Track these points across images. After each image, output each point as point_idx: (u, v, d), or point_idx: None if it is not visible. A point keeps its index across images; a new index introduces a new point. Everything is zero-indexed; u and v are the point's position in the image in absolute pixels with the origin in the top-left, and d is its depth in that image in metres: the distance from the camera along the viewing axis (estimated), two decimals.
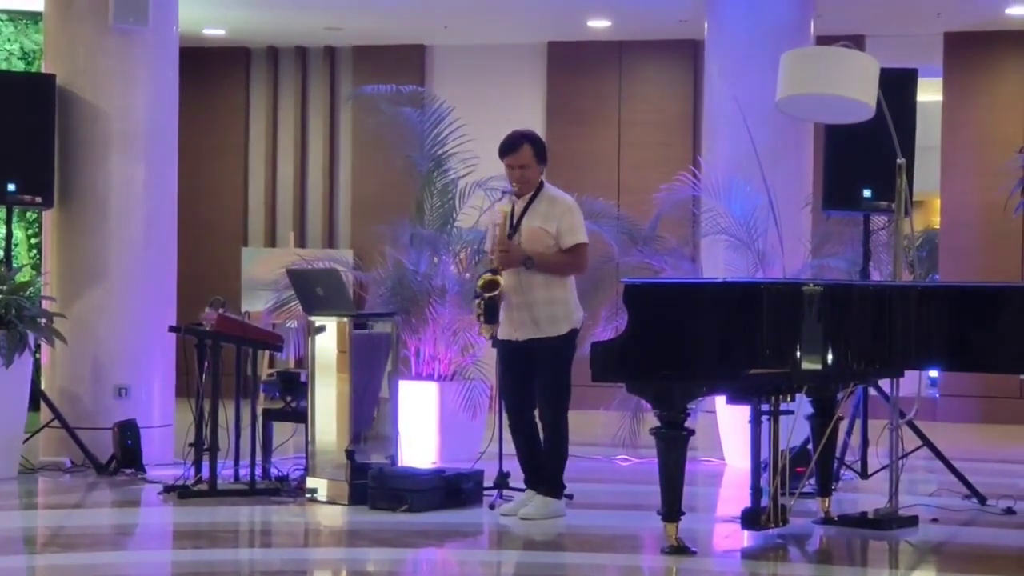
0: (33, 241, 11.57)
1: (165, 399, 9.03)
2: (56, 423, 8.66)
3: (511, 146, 7.11)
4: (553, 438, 7.06)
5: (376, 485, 7.32)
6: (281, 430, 8.14)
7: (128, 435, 8.50)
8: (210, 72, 13.36)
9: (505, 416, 7.24)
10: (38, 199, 8.78)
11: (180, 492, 7.64)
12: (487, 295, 7.04)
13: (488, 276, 7.09)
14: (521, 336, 7.07)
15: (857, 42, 11.40)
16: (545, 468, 7.09)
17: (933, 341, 6.70)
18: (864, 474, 8.25)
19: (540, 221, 7.07)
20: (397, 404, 7.73)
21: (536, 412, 7.09)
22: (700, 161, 9.65)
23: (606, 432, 8.94)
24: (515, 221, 7.12)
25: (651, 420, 6.43)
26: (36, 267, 10.82)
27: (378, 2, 11.75)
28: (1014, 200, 9.06)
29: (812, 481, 7.09)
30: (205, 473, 7.72)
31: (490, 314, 7.08)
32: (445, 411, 9.06)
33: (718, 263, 9.10)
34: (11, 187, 8.67)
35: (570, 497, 7.21)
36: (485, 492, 7.49)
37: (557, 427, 7.04)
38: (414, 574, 6.39)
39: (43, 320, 8.37)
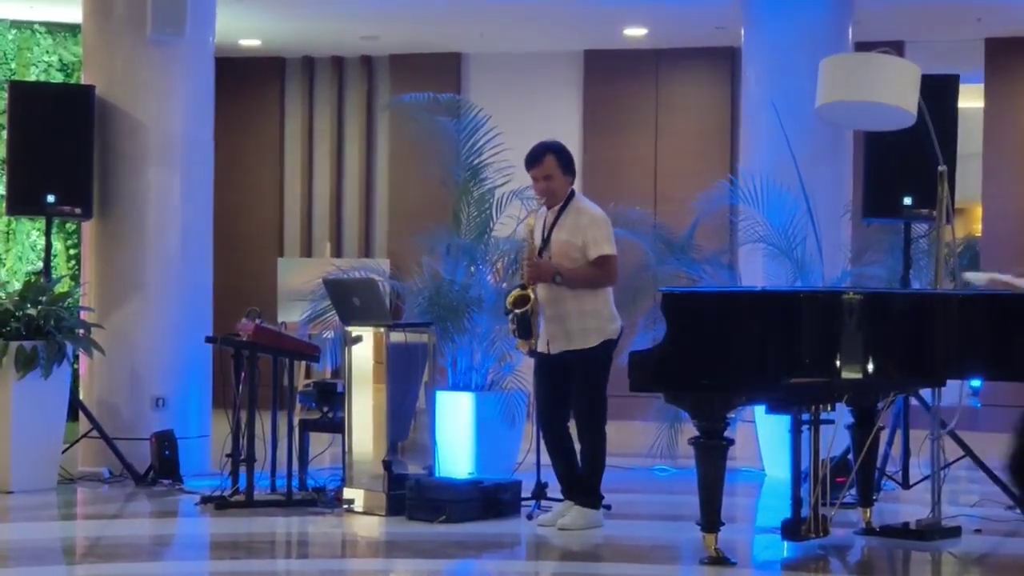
0: (72, 252, 11.61)
1: (202, 410, 9.05)
2: (94, 433, 8.69)
3: (534, 158, 7.14)
4: (589, 450, 7.04)
5: (413, 496, 7.30)
6: (318, 441, 8.14)
7: (166, 445, 8.52)
8: (246, 83, 13.39)
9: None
10: (77, 210, 8.83)
11: (217, 503, 7.65)
12: (517, 311, 7.02)
13: (517, 292, 7.08)
14: (554, 349, 7.06)
15: (897, 48, 11.31)
16: (582, 479, 7.06)
17: (974, 350, 6.64)
18: (906, 484, 8.18)
19: (567, 234, 7.06)
20: (434, 414, 7.71)
21: (572, 423, 7.06)
22: (738, 169, 9.59)
23: (644, 442, 8.89)
24: (546, 234, 7.11)
25: (690, 430, 6.39)
26: (75, 278, 10.87)
27: (414, 11, 11.75)
28: None
29: (853, 491, 7.03)
30: (242, 484, 7.72)
31: (523, 329, 7.07)
32: (482, 421, 9.02)
33: (756, 272, 9.04)
34: (50, 198, 8.71)
35: (608, 507, 7.18)
36: (523, 502, 7.46)
37: (593, 439, 7.02)
38: None
39: (81, 331, 8.40)
